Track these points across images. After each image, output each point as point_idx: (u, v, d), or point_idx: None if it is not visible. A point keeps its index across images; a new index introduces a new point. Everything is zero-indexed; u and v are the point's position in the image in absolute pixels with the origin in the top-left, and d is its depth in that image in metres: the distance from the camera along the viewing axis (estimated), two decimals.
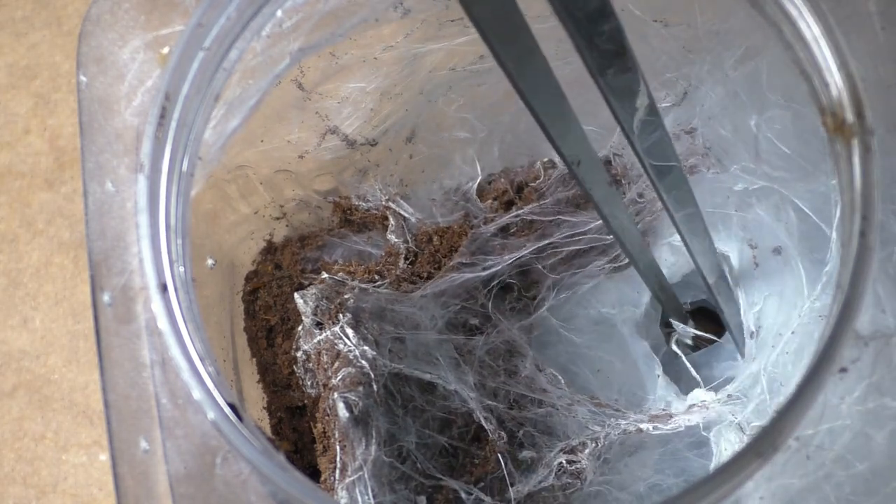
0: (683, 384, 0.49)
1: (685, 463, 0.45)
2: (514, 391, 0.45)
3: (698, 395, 0.46)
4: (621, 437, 0.44)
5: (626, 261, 0.48)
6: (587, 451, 0.43)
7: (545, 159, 0.47)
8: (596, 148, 0.46)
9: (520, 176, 0.47)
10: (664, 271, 0.47)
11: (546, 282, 0.48)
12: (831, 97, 0.29)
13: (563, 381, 0.46)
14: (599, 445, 0.43)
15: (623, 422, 0.44)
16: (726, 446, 0.43)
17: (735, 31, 0.39)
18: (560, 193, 0.46)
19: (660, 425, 0.43)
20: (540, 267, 0.47)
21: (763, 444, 0.27)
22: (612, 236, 0.44)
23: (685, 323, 0.49)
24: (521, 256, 0.46)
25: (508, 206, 0.47)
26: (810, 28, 0.30)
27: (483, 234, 0.46)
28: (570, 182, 0.46)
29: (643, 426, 0.43)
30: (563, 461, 0.43)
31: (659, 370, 0.48)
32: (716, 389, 0.46)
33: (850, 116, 0.29)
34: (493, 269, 0.45)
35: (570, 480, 0.44)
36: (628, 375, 0.49)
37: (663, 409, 0.46)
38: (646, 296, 0.49)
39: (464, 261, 0.45)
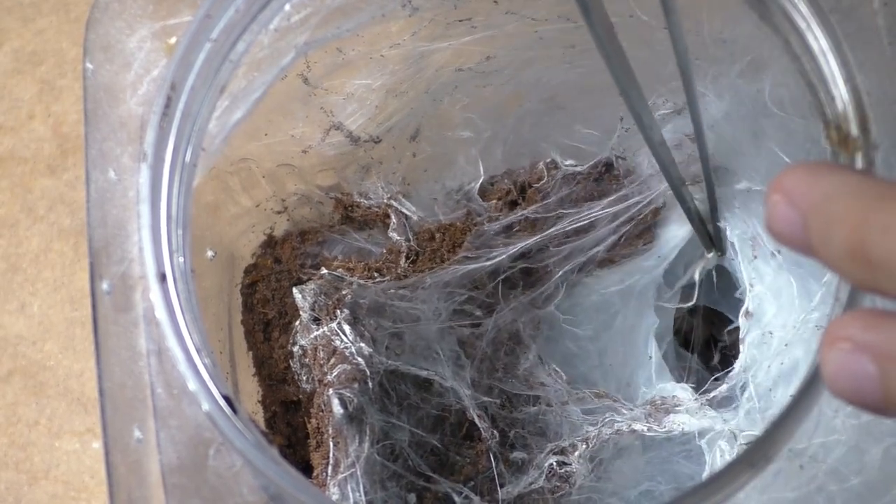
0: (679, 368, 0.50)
1: (678, 468, 0.46)
2: (509, 389, 0.45)
3: (677, 391, 0.46)
4: (614, 438, 0.44)
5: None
6: (577, 452, 0.43)
7: (548, 160, 0.47)
8: (596, 150, 0.47)
9: (522, 176, 0.48)
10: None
11: (552, 273, 0.48)
12: (836, 110, 0.29)
13: (564, 378, 0.46)
14: (590, 446, 0.43)
15: (618, 419, 0.44)
16: (719, 454, 0.43)
17: (742, 41, 0.39)
18: (563, 192, 0.46)
19: (654, 427, 0.43)
20: (544, 263, 0.47)
21: (756, 455, 0.27)
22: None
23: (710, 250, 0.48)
24: (526, 244, 0.46)
25: (512, 206, 0.47)
26: (818, 41, 0.30)
27: (487, 232, 0.46)
28: (573, 181, 0.46)
29: (637, 426, 0.43)
30: (554, 463, 0.43)
31: (653, 352, 0.48)
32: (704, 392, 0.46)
33: (854, 130, 0.29)
34: (498, 260, 0.45)
35: (559, 484, 0.44)
36: (627, 364, 0.49)
37: (660, 399, 0.46)
38: (656, 270, 0.49)
39: (468, 255, 0.45)
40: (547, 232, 0.46)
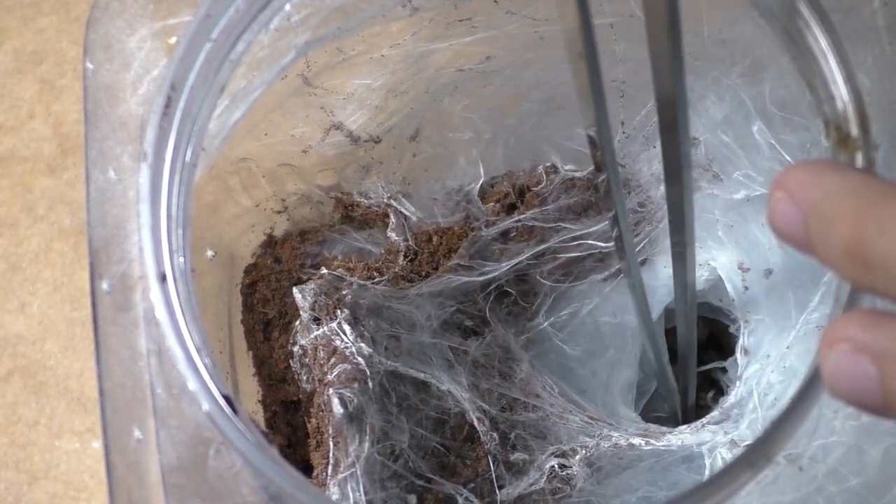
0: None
1: (678, 474, 0.45)
2: (508, 394, 0.45)
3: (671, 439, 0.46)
4: (612, 450, 0.44)
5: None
6: (578, 456, 0.43)
7: (548, 164, 0.47)
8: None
9: (522, 179, 0.47)
10: (658, 283, 0.47)
11: (543, 290, 0.48)
12: (836, 110, 0.29)
13: (556, 390, 0.46)
14: (589, 454, 0.43)
15: (615, 434, 0.44)
16: (720, 460, 0.43)
17: (742, 42, 0.39)
18: (562, 200, 0.46)
19: (652, 441, 0.43)
20: (537, 276, 0.47)
21: (755, 456, 0.27)
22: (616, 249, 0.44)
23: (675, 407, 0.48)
24: (519, 263, 0.46)
25: (510, 209, 0.47)
26: (818, 41, 0.30)
27: (483, 238, 0.46)
28: (573, 189, 0.46)
29: (635, 441, 0.43)
30: (555, 465, 0.43)
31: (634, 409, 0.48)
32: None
33: (854, 130, 0.29)
34: (491, 275, 0.45)
35: (560, 486, 0.44)
36: (613, 397, 0.49)
37: (654, 427, 0.46)
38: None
39: (462, 262, 0.45)
40: (543, 246, 0.46)
